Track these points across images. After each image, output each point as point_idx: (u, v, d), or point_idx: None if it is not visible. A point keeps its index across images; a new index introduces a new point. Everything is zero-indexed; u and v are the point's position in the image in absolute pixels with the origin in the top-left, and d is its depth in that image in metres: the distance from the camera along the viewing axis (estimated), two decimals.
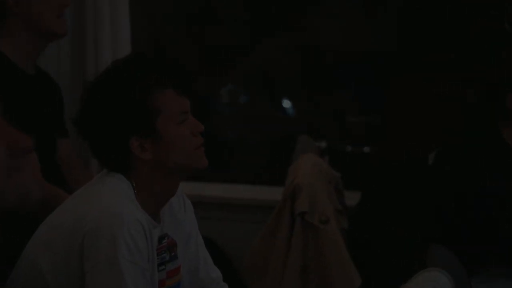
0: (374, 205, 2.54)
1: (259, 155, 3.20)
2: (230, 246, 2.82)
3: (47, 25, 2.08)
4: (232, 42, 3.24)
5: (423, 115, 2.77)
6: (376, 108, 3.13)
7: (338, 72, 3.28)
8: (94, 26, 2.55)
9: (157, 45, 2.98)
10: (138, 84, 1.53)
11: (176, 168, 1.56)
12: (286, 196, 2.38)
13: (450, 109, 2.76)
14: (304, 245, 2.35)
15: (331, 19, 3.22)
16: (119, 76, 1.55)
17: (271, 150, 3.22)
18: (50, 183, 1.89)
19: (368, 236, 2.48)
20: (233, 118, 3.37)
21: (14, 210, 1.05)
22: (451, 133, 2.52)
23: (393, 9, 3.16)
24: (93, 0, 2.55)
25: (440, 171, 2.35)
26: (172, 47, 3.20)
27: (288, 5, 3.25)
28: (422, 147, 2.54)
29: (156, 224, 1.57)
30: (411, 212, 2.37)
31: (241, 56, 3.27)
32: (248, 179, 3.07)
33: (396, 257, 2.36)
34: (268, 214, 2.47)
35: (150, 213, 1.54)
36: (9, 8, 2.06)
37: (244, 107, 3.41)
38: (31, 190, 1.04)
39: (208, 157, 1.59)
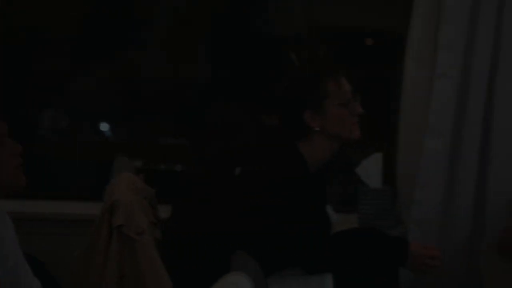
0: (183, 216, 2.62)
1: (80, 175, 3.24)
2: (52, 261, 2.81)
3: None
4: (54, 68, 3.26)
5: (229, 137, 2.92)
6: (188, 131, 3.27)
7: (155, 98, 3.39)
8: None
9: None
10: None
11: None
12: (105, 210, 2.39)
13: (253, 131, 2.95)
14: (121, 256, 2.36)
15: (151, 49, 3.36)
16: None
17: (91, 169, 3.25)
18: None
19: (179, 244, 2.53)
20: (55, 141, 3.37)
21: None
22: (255, 152, 2.65)
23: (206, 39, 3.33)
24: None
25: (242, 185, 2.50)
26: None
27: (112, 35, 3.34)
28: (229, 164, 2.64)
29: None
30: (216, 220, 2.47)
31: (64, 81, 3.30)
32: (69, 196, 3.07)
33: (202, 263, 2.45)
34: (89, 228, 2.46)
35: None
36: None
37: (65, 131, 3.41)
38: None
39: (28, 176, 1.63)
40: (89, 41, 3.48)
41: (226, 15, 3.41)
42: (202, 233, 2.47)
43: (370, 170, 3.23)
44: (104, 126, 3.45)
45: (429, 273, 2.54)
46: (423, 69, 3.12)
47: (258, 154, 2.62)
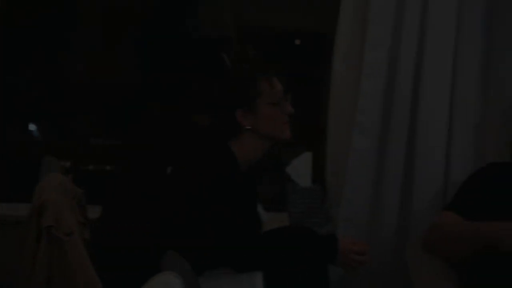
0: (113, 217, 2.62)
1: (8, 175, 3.22)
2: None
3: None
4: None
5: (160, 137, 2.89)
6: (118, 132, 3.26)
7: (84, 100, 3.36)
8: None
9: None
10: None
11: None
12: (33, 211, 2.37)
13: (185, 131, 2.92)
14: (50, 257, 2.35)
15: (80, 50, 3.34)
16: None
17: (19, 170, 3.23)
18: None
19: (109, 244, 2.53)
20: None
21: None
22: (186, 152, 2.66)
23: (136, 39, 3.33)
24: None
25: (173, 184, 2.50)
26: None
27: (42, 39, 3.30)
28: (160, 164, 2.65)
29: None
30: (146, 220, 2.47)
31: None
32: None
33: (133, 263, 2.44)
34: (18, 229, 2.45)
35: None
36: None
37: None
38: None
39: None
40: (17, 41, 3.45)
41: (155, 17, 3.40)
42: (132, 233, 2.46)
43: (300, 169, 3.24)
44: (32, 126, 3.41)
45: (359, 269, 2.56)
46: (351, 68, 3.13)
47: (189, 153, 2.62)
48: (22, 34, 3.45)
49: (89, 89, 3.42)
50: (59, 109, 3.42)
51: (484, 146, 3.06)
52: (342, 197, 3.10)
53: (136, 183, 2.68)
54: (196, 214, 2.39)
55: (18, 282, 2.38)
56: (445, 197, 3.02)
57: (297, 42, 3.54)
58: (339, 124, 3.17)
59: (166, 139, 2.88)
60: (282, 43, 3.57)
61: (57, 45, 3.42)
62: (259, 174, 2.77)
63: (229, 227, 2.42)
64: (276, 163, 3.25)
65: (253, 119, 2.56)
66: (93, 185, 2.81)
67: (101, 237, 2.54)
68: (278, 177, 3.33)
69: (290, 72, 3.43)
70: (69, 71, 3.44)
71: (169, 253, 2.31)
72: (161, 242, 2.37)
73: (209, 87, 2.71)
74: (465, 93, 3.06)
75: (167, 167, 2.62)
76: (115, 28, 3.45)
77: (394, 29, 3.07)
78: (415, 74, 3.07)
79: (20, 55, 3.43)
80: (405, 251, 2.88)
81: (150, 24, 3.39)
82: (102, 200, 2.68)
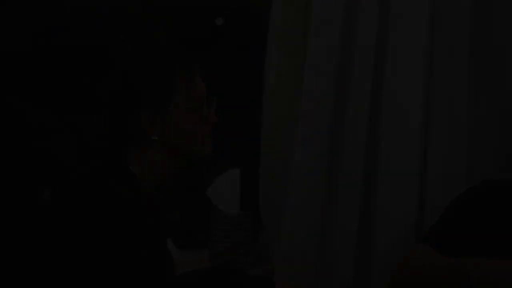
0: None
1: None
2: None
3: None
4: None
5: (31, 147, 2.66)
6: None
7: None
8: None
9: None
10: None
11: None
12: None
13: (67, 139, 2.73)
14: None
15: None
16: None
17: None
18: None
19: None
20: None
21: None
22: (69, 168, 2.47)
23: None
24: None
25: (53, 213, 2.14)
26: None
27: None
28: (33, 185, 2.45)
29: None
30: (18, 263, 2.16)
31: None
32: None
33: None
34: None
35: None
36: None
37: None
38: None
39: None
40: None
41: None
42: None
43: (224, 191, 3.03)
44: None
45: None
46: (291, 59, 2.86)
47: (73, 171, 2.31)
48: None
49: None
50: None
51: (476, 158, 2.75)
52: (280, 228, 2.82)
53: None
54: (83, 256, 2.05)
55: None
56: (420, 225, 2.73)
57: (220, 21, 3.22)
58: (276, 132, 2.91)
59: (39, 149, 2.65)
60: (202, 24, 3.24)
61: None
62: (171, 200, 2.64)
63: (128, 270, 2.09)
64: (194, 184, 3.05)
65: (163, 126, 2.22)
66: None
67: None
68: (195, 202, 3.10)
69: (214, 67, 3.10)
70: None
71: None
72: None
73: (102, 82, 2.29)
74: (447, 92, 2.73)
75: (43, 190, 2.38)
76: None
77: (348, 6, 2.76)
78: (377, 66, 2.75)
79: None
80: None
81: None
82: None
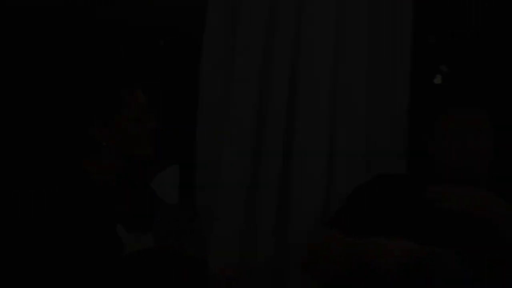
0: None
1: None
2: None
3: None
4: None
5: None
6: None
7: None
8: None
9: None
10: None
11: None
12: None
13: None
14: None
15: None
16: None
17: None
18: None
19: None
20: None
21: None
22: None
23: None
24: None
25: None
26: None
27: None
28: None
29: None
30: None
31: None
32: None
33: None
34: None
35: None
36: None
37: None
38: None
39: None
40: None
41: None
42: None
43: (166, 183, 3.16)
44: None
45: None
46: (220, 72, 3.04)
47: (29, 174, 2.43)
48: None
49: None
50: None
51: (373, 157, 2.97)
52: (213, 215, 3.00)
53: None
54: (40, 239, 2.23)
55: None
56: (327, 213, 2.92)
57: (162, 42, 3.37)
58: (209, 133, 3.07)
59: None
60: (145, 43, 3.38)
61: None
62: (120, 191, 2.61)
63: (84, 252, 2.29)
64: (140, 178, 3.00)
65: (111, 135, 2.43)
66: None
67: None
68: (142, 193, 3.06)
69: (155, 77, 3.31)
70: None
71: None
72: None
73: (55, 94, 2.46)
74: (350, 99, 2.95)
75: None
76: None
77: (268, 29, 2.96)
78: (290, 80, 2.97)
79: None
80: (282, 273, 2.85)
81: None
82: None
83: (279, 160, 2.95)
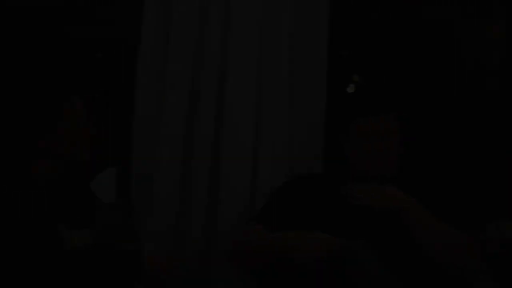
0: None
1: None
2: None
3: None
4: None
5: None
6: None
7: None
8: None
9: None
10: None
11: None
12: None
13: None
14: None
15: None
16: None
17: None
18: None
19: None
20: None
21: None
22: None
23: None
24: None
25: None
26: None
27: None
28: None
29: None
30: None
31: None
32: None
33: None
34: None
35: None
36: None
37: None
38: None
39: None
40: None
41: None
42: None
43: (103, 183, 3.19)
44: None
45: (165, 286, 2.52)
46: (154, 81, 3.13)
47: None
48: None
49: None
50: None
51: (294, 158, 3.10)
52: (148, 212, 3.09)
53: None
54: None
55: None
56: (253, 210, 3.04)
57: (99, 55, 3.45)
58: (144, 137, 3.16)
59: None
60: (82, 55, 3.46)
61: None
62: (59, 191, 2.65)
63: (21, 249, 2.34)
64: (81, 178, 3.04)
65: (52, 142, 2.50)
66: None
67: None
68: (81, 192, 3.07)
69: (93, 87, 3.38)
70: None
71: None
72: None
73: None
74: (273, 105, 3.08)
75: None
76: None
77: (196, 42, 3.09)
78: (219, 85, 3.09)
79: None
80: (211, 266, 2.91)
81: None
82: None
83: (208, 163, 3.06)
